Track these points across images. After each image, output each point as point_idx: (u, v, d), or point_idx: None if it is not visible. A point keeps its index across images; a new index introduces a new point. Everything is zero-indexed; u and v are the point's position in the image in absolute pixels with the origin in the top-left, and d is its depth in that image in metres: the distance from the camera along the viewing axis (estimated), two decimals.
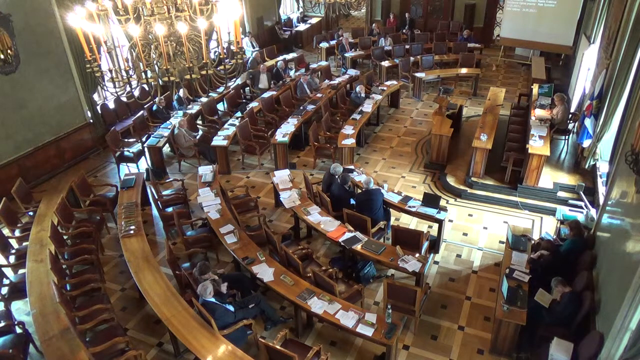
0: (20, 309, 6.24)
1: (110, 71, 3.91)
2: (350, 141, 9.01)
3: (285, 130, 9.37)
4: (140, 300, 6.18)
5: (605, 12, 9.45)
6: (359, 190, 7.46)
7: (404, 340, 5.67)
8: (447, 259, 6.98)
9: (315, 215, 6.90)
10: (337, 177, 7.39)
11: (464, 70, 12.88)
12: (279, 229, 7.59)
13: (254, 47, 14.38)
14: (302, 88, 11.54)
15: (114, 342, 5.03)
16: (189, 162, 9.65)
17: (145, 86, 9.46)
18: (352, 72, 12.92)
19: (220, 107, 11.49)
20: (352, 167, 8.22)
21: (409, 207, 7.10)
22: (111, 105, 10.63)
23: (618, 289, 4.55)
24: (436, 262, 6.92)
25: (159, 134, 9.40)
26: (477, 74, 12.68)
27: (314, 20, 18.45)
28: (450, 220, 7.71)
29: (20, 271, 6.31)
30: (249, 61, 13.11)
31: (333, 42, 15.23)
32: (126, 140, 9.88)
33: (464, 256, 7.04)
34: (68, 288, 6.06)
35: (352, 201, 7.26)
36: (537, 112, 9.28)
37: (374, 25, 16.34)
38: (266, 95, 11.27)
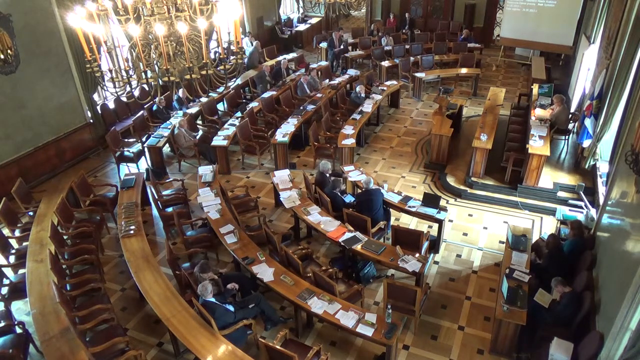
0: (20, 309, 6.24)
1: (110, 71, 3.91)
2: (350, 141, 9.01)
3: (285, 130, 9.37)
4: (140, 300, 6.18)
5: (605, 12, 9.45)
6: (359, 190, 7.46)
7: (404, 340, 5.67)
8: (447, 259, 6.98)
9: (315, 215, 6.90)
10: (327, 175, 7.38)
11: (464, 70, 12.88)
12: (279, 229, 7.59)
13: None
14: (302, 88, 11.54)
15: (114, 342, 5.03)
16: (189, 162, 9.65)
17: (145, 86, 9.51)
18: (352, 72, 12.91)
19: (220, 107, 11.49)
20: (350, 167, 8.19)
21: (409, 207, 7.10)
22: (111, 105, 10.63)
23: (618, 289, 4.55)
24: (436, 262, 6.92)
25: (159, 134, 9.40)
26: (477, 74, 12.67)
27: (314, 20, 18.44)
28: (450, 220, 7.71)
29: (20, 271, 6.31)
30: (247, 59, 13.09)
31: None
32: (126, 140, 9.89)
33: (464, 256, 7.04)
34: (68, 288, 6.06)
35: (347, 201, 7.27)
36: (537, 112, 9.29)
37: (373, 25, 16.33)
38: (266, 95, 11.28)
